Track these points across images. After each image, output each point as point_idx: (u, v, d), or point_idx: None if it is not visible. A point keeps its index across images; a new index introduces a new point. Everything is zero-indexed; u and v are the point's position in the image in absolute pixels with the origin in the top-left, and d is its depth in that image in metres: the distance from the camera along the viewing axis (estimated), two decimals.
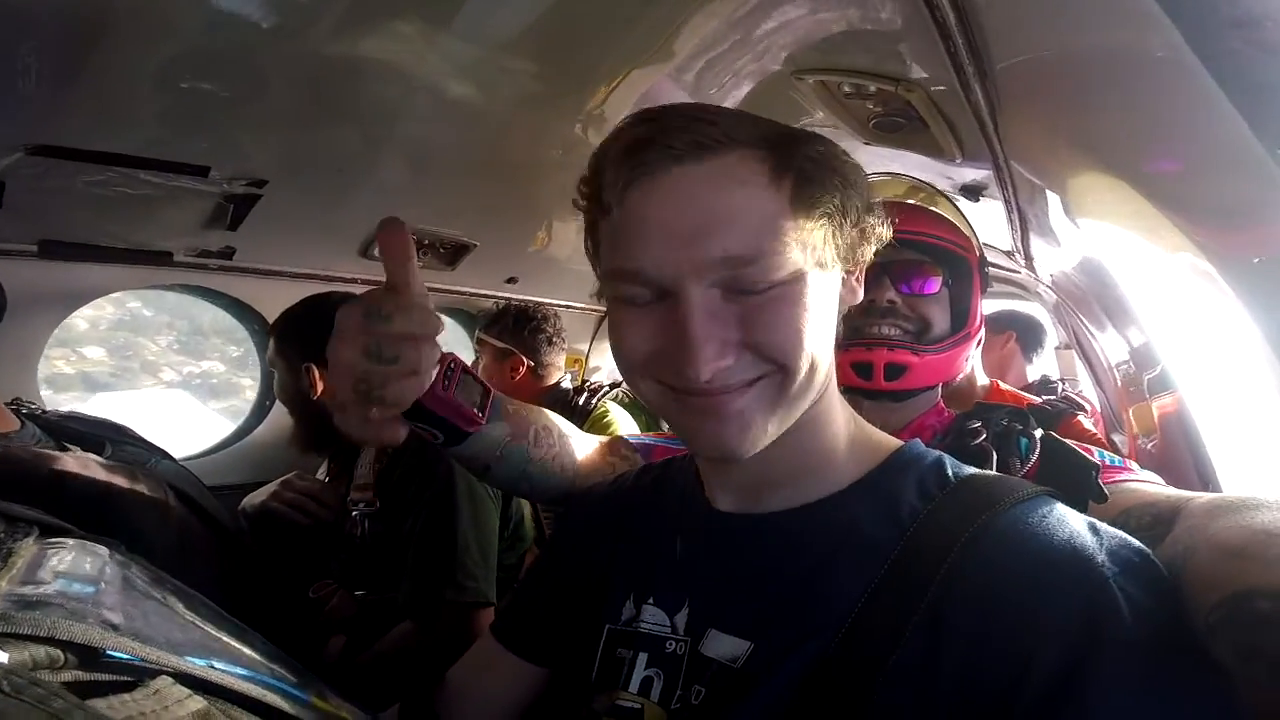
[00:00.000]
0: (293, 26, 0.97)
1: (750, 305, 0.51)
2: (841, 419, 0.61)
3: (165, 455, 1.20)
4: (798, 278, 0.51)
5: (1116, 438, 1.96)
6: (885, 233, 0.60)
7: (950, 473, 0.58)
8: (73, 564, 0.47)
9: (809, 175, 0.51)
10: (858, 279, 0.61)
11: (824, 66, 1.01)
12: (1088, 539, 0.48)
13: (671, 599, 0.62)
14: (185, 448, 2.02)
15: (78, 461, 0.86)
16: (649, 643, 0.62)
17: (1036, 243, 1.56)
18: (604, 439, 0.98)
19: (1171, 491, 0.68)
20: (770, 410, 0.53)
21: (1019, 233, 1.48)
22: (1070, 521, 0.50)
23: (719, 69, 1.14)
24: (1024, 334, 2.38)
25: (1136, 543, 0.49)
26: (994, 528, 0.50)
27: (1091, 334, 1.95)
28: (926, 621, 0.47)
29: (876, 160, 1.37)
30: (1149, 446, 1.60)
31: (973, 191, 1.39)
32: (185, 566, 0.67)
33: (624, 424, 2.02)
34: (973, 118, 0.95)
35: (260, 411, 2.14)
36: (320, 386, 1.48)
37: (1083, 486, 0.69)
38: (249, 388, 2.19)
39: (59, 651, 0.36)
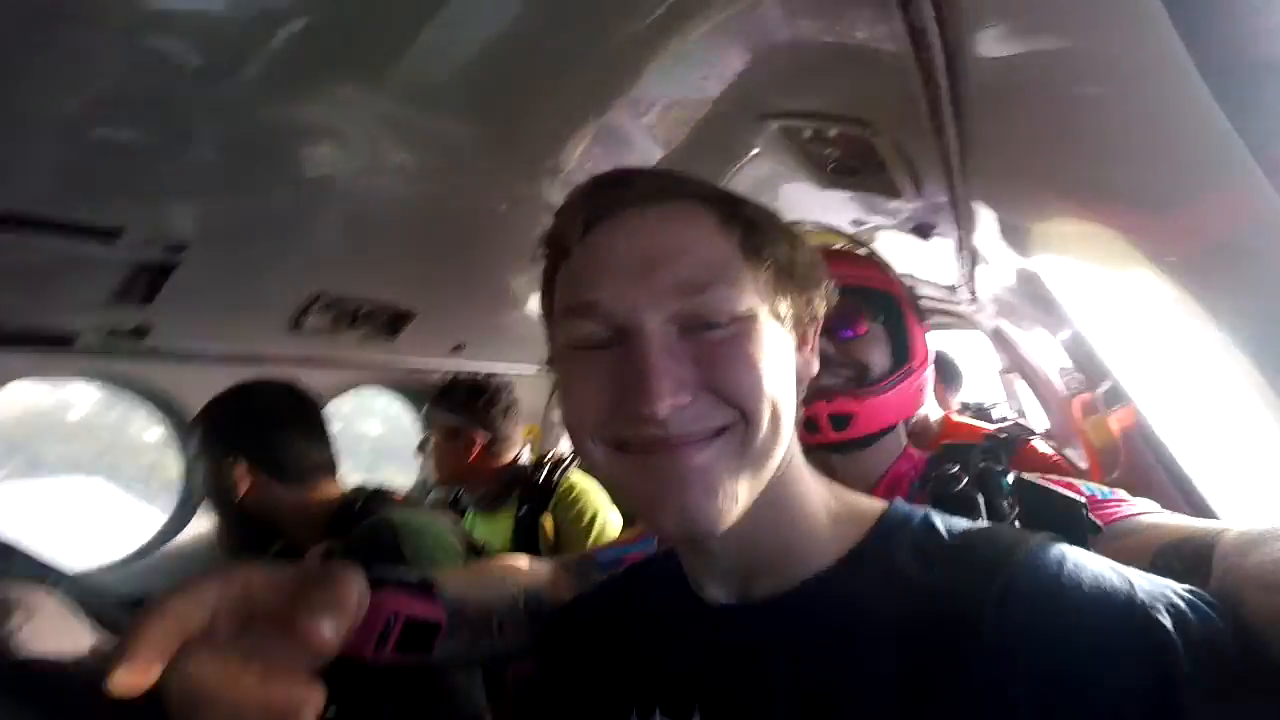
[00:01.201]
0: (221, 74, 0.88)
1: (707, 343, 0.50)
2: (818, 492, 0.59)
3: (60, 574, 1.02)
4: (753, 316, 0.51)
5: (1069, 452, 2.02)
6: (827, 305, 0.61)
7: (942, 530, 0.56)
8: None
9: (756, 224, 0.54)
10: (811, 350, 0.60)
11: (792, 111, 1.01)
12: (1114, 579, 0.47)
13: (680, 708, 0.57)
14: (99, 556, 1.76)
15: None
16: None
17: (981, 270, 1.61)
18: (564, 564, 0.89)
19: (1186, 522, 0.67)
20: (736, 469, 0.50)
21: (967, 267, 1.53)
22: (1088, 565, 0.48)
23: (676, 112, 1.12)
24: (940, 370, 2.57)
25: (1152, 575, 0.48)
26: (1015, 588, 0.47)
27: (1028, 352, 2.04)
28: (979, 703, 0.44)
29: (828, 202, 1.38)
30: (1115, 475, 1.63)
31: (923, 230, 1.43)
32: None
33: (595, 493, 1.89)
34: (939, 158, 0.96)
35: (182, 516, 1.90)
36: (248, 483, 1.33)
37: (1076, 523, 0.69)
38: None
39: None
